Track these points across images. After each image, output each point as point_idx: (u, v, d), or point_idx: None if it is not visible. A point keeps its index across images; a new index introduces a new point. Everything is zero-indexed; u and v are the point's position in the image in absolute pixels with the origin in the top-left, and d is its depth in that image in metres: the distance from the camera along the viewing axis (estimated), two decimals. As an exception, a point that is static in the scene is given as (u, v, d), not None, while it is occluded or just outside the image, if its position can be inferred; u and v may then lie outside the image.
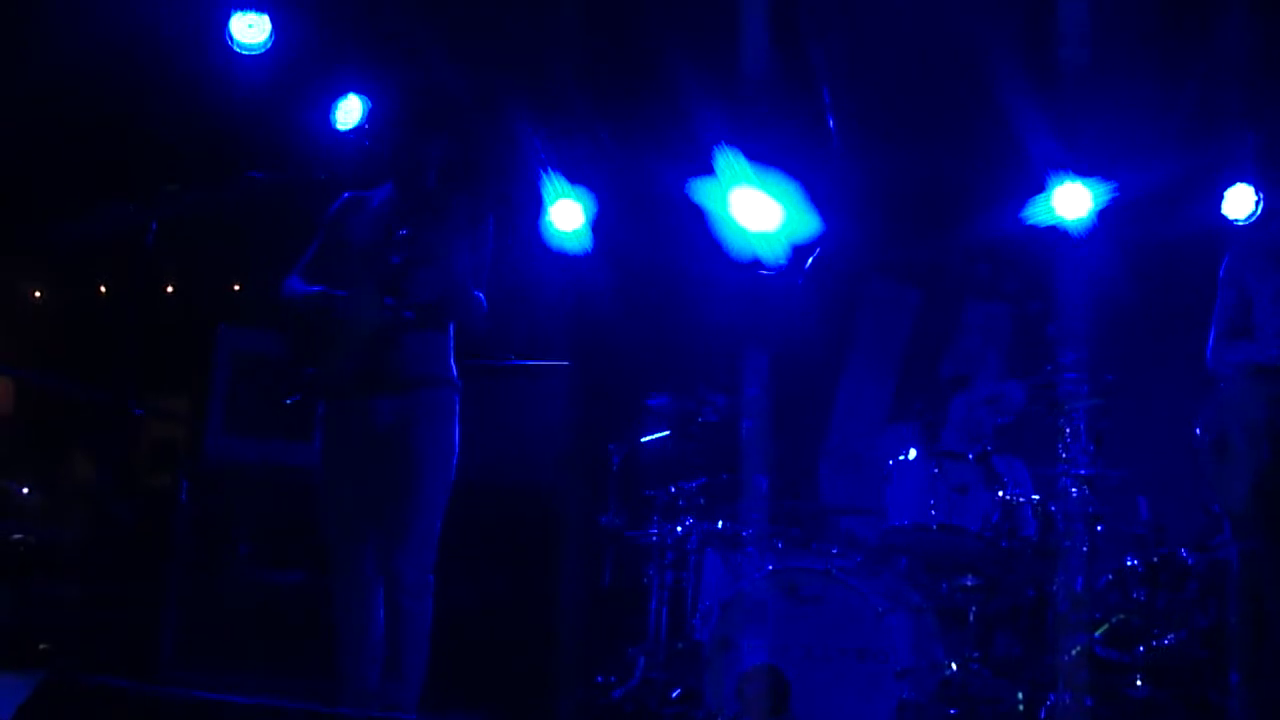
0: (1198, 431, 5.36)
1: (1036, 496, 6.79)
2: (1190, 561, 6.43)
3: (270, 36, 7.16)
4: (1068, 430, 6.59)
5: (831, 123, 8.15)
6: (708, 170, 8.07)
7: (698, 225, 8.27)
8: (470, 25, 7.58)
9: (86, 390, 7.95)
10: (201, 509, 7.06)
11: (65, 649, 6.75)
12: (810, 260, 7.76)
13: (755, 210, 8.06)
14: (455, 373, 5.32)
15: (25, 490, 7.52)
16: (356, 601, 5.21)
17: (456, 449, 5.26)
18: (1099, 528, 6.52)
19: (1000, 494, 6.72)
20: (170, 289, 8.66)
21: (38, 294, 8.94)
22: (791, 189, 8.11)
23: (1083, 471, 6.52)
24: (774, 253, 8.06)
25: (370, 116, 7.30)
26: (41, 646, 6.80)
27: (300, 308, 5.25)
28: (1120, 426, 6.58)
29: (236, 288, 8.67)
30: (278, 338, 6.83)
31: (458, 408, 5.30)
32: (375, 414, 5.17)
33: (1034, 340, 7.38)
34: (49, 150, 7.77)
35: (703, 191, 8.15)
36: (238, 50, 7.14)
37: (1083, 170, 7.66)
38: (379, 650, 5.20)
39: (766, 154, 8.07)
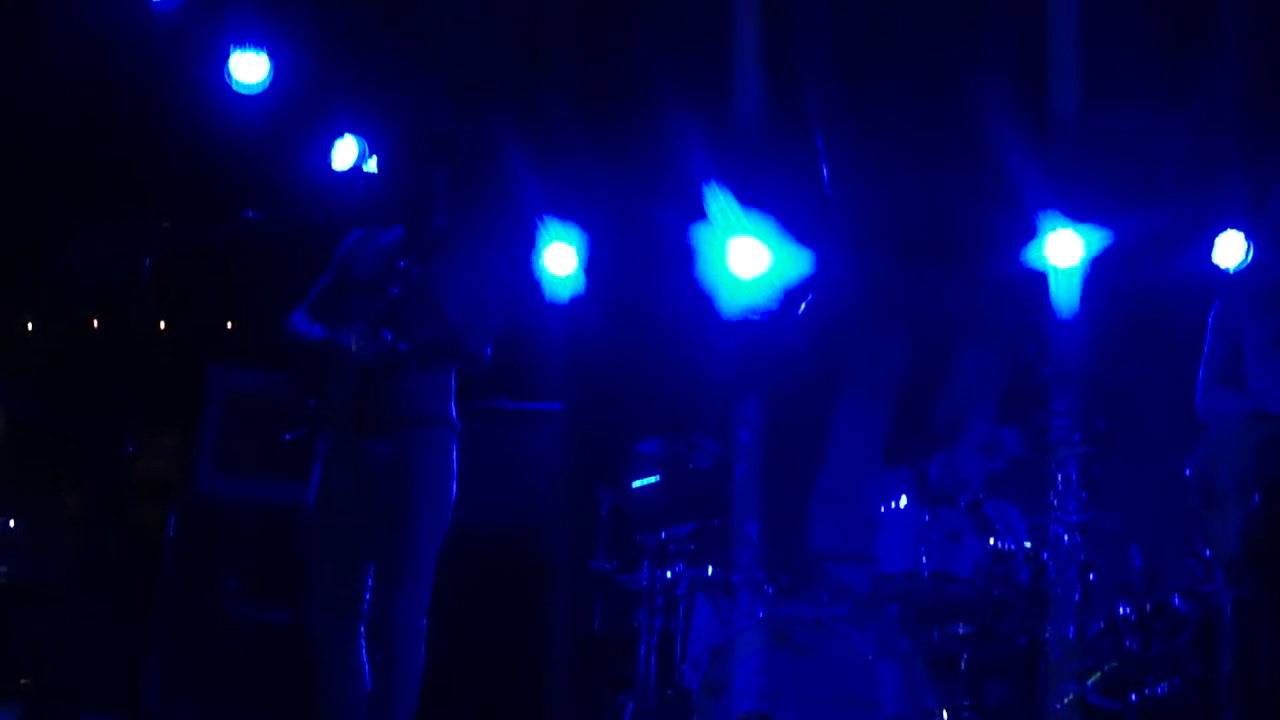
0: (1188, 475, 5.36)
1: (1029, 544, 6.78)
2: (1183, 609, 6.40)
3: (269, 75, 7.17)
4: (1060, 477, 6.60)
5: (825, 166, 8.17)
6: (701, 214, 8.09)
7: (690, 269, 8.27)
8: (466, 68, 7.61)
9: (78, 423, 7.93)
10: (189, 545, 7.03)
11: (48, 683, 6.71)
12: (803, 305, 7.76)
13: (747, 255, 8.08)
14: (455, 414, 5.28)
15: (11, 522, 7.49)
16: (344, 643, 5.16)
17: (454, 491, 5.23)
18: (1091, 575, 6.53)
19: (992, 541, 6.71)
20: (163, 325, 8.66)
21: (30, 325, 8.93)
22: (783, 232, 8.13)
23: (1075, 518, 6.53)
24: (765, 297, 8.07)
25: (372, 154, 7.30)
26: (23, 681, 6.75)
27: (305, 349, 5.23)
28: (1113, 473, 6.59)
29: (229, 325, 8.67)
30: (270, 376, 6.83)
31: (455, 450, 5.26)
32: (372, 451, 5.13)
33: (1027, 386, 7.39)
34: (45, 182, 7.79)
35: (695, 236, 8.17)
36: (236, 89, 7.16)
37: (1075, 216, 7.69)
38: (365, 693, 5.14)
39: (759, 197, 8.10)
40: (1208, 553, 6.05)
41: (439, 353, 5.17)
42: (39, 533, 7.58)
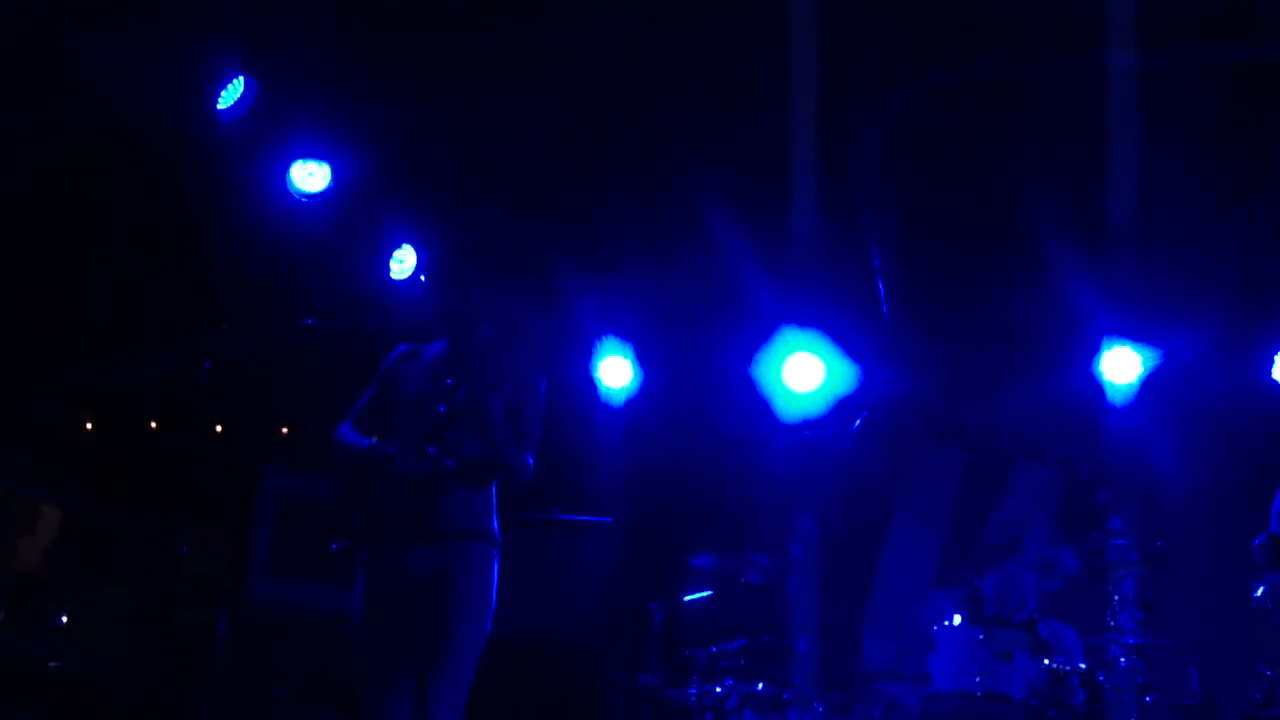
0: (1260, 592, 5.27)
1: (1084, 665, 6.65)
2: (1242, 735, 6.26)
3: (329, 185, 7.29)
4: (1116, 598, 6.51)
5: (881, 286, 8.19)
6: (757, 330, 8.12)
7: (745, 384, 8.28)
8: (522, 185, 7.72)
9: (131, 522, 8.01)
10: (240, 648, 7.03)
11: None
12: (858, 422, 7.75)
13: (802, 370, 8.09)
14: (497, 529, 5.29)
15: (64, 618, 7.55)
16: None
17: (494, 604, 5.21)
18: (1148, 698, 6.40)
19: (1047, 661, 6.59)
20: (219, 428, 8.78)
21: (89, 425, 9.10)
22: (837, 348, 8.13)
23: (1131, 640, 6.41)
24: (820, 411, 8.06)
25: (422, 268, 7.41)
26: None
27: (350, 460, 5.26)
28: (1171, 593, 6.48)
29: (284, 430, 8.76)
30: (323, 482, 6.85)
31: (496, 564, 5.25)
32: (414, 563, 5.14)
33: (1083, 506, 7.32)
34: (109, 285, 7.95)
35: (751, 351, 8.19)
36: (297, 196, 7.28)
37: (1132, 334, 7.66)
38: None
39: (815, 315, 8.12)
40: (1269, 670, 5.93)
41: (484, 469, 5.20)
42: (89, 628, 7.62)
